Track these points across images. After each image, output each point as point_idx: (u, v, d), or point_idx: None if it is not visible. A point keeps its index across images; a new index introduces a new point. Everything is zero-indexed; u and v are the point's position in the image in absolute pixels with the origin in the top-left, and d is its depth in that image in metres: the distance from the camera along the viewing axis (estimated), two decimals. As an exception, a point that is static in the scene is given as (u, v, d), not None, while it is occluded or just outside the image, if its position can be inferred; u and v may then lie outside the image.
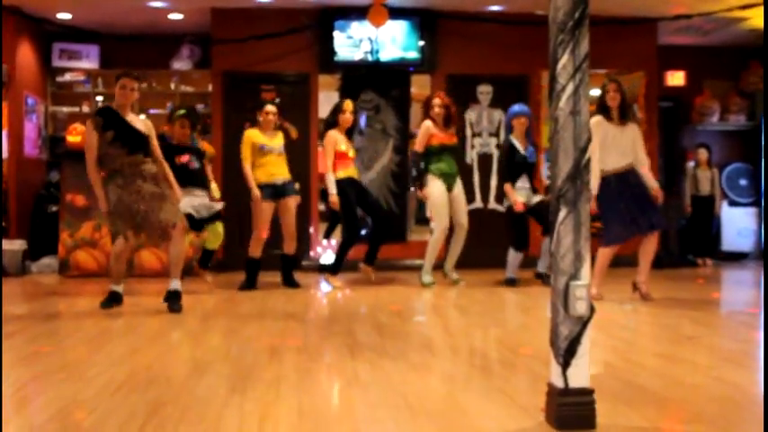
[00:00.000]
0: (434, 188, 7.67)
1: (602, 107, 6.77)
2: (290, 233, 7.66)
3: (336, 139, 7.82)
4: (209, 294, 7.28)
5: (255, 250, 7.54)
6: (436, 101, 7.90)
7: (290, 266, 7.78)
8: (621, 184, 6.66)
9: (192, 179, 7.32)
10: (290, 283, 7.69)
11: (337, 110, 7.97)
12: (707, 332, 5.35)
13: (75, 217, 8.96)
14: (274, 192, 7.49)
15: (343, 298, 7.36)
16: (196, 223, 7.32)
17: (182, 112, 7.60)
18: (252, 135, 7.59)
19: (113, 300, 6.32)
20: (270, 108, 7.66)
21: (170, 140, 7.38)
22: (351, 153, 7.97)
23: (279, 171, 7.57)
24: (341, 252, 7.95)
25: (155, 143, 6.28)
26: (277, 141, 7.66)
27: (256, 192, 7.41)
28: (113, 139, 5.99)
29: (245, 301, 6.71)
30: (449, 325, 5.69)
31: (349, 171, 7.87)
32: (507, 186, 7.82)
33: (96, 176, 6.04)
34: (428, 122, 7.84)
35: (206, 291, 7.47)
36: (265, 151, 7.55)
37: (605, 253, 6.69)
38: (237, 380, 3.62)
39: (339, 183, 7.75)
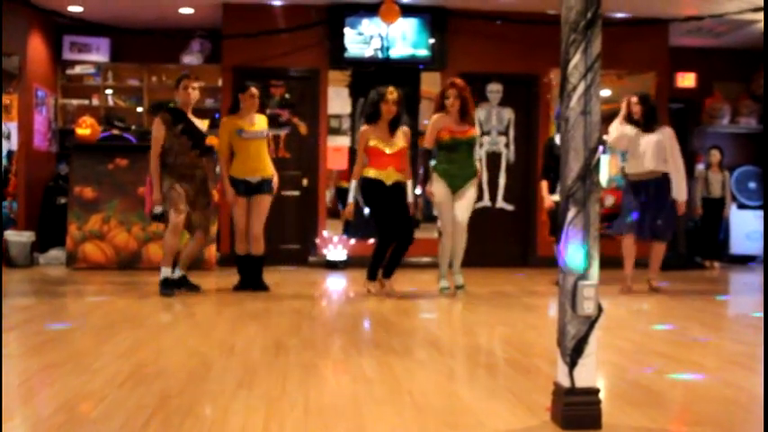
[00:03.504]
0: (437, 190, 6.92)
1: (628, 118, 7.42)
2: (255, 233, 6.96)
3: (370, 135, 6.91)
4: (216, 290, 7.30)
5: (240, 247, 7.07)
6: (451, 91, 6.92)
7: (256, 267, 7.06)
8: (641, 190, 7.26)
9: None
10: (255, 284, 7.04)
11: (379, 98, 6.89)
12: (714, 334, 5.34)
13: (84, 209, 8.99)
14: (247, 189, 6.90)
15: (350, 295, 7.37)
16: None
17: None
18: (229, 122, 6.95)
19: (185, 287, 6.91)
20: (254, 91, 6.99)
21: None
22: (387, 148, 6.90)
23: (258, 166, 6.93)
24: (373, 257, 7.11)
25: (211, 136, 6.97)
26: (258, 126, 6.96)
27: (230, 192, 6.92)
28: (182, 132, 6.64)
29: (252, 297, 6.72)
30: (455, 323, 5.69)
31: (383, 173, 6.91)
32: (541, 184, 7.96)
33: (156, 166, 6.62)
34: (436, 115, 7.01)
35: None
36: (244, 137, 6.87)
37: (623, 245, 7.36)
38: (244, 374, 3.63)
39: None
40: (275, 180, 7.06)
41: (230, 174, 6.91)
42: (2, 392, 3.13)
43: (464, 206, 6.97)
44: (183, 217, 6.63)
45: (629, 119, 7.42)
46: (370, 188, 6.91)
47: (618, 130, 7.43)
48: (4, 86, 9.45)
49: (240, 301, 6.52)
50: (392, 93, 6.85)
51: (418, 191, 7.14)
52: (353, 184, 7.06)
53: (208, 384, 3.43)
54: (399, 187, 6.94)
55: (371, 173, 6.87)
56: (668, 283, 8.02)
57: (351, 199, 7.08)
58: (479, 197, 9.18)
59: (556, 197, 7.79)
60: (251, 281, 7.08)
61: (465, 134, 6.96)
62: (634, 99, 7.45)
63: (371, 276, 7.07)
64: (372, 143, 6.86)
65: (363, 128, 7.00)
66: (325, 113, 10.14)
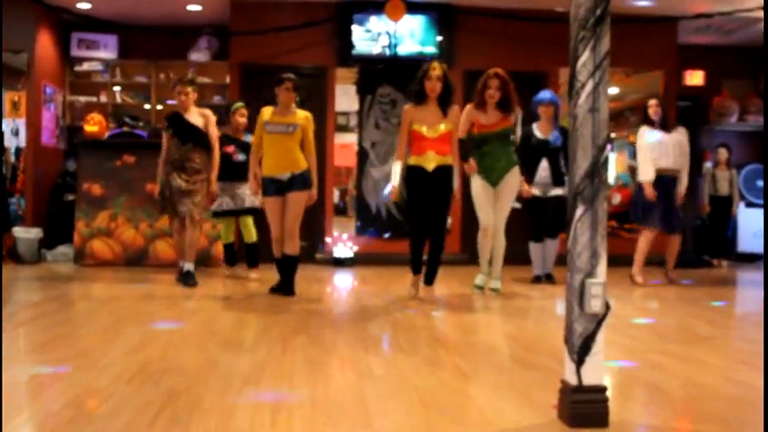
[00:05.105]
0: (474, 185, 6.83)
1: (645, 119, 8.03)
2: (287, 231, 6.52)
3: (413, 116, 6.42)
4: (246, 284, 7.32)
5: (275, 250, 6.63)
6: (493, 82, 6.75)
7: (288, 269, 6.63)
8: (662, 184, 7.80)
9: (235, 172, 7.61)
10: (284, 288, 6.60)
11: (423, 75, 6.38)
12: (721, 333, 5.33)
13: (92, 206, 9.01)
14: (278, 188, 6.51)
15: (357, 292, 7.37)
16: (236, 214, 7.86)
17: (240, 104, 8.05)
18: (262, 113, 6.65)
19: (180, 276, 7.26)
20: (290, 84, 6.56)
21: (225, 133, 7.81)
22: (427, 132, 6.37)
23: (285, 162, 6.50)
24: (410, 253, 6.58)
25: (211, 130, 7.25)
26: (289, 119, 6.52)
27: (254, 187, 6.78)
28: (173, 134, 7.20)
29: (260, 294, 6.73)
30: (462, 320, 5.68)
31: (422, 158, 6.38)
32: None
33: (161, 169, 7.28)
34: (468, 106, 6.88)
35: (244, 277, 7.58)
36: (269, 131, 6.52)
37: (642, 239, 7.93)
38: (251, 371, 3.63)
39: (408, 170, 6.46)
40: (313, 176, 6.60)
41: (262, 172, 6.61)
42: (1, 390, 3.15)
43: (500, 208, 6.84)
44: (175, 222, 7.34)
45: (646, 120, 7.99)
46: (410, 177, 6.42)
47: (647, 132, 7.97)
48: (12, 83, 9.47)
49: (247, 298, 6.54)
50: (435, 69, 6.34)
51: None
52: (398, 166, 6.49)
53: (215, 381, 3.44)
54: (442, 172, 6.36)
55: (412, 160, 6.41)
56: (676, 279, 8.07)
57: (394, 181, 6.48)
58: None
59: (535, 190, 7.77)
60: (283, 281, 6.72)
61: (495, 127, 6.80)
62: (654, 101, 8.03)
63: (414, 270, 6.59)
64: (414, 126, 6.38)
65: (406, 107, 6.52)
66: (332, 111, 10.14)
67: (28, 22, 9.56)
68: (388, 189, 6.71)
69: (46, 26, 10.06)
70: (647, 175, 7.78)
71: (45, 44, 10.08)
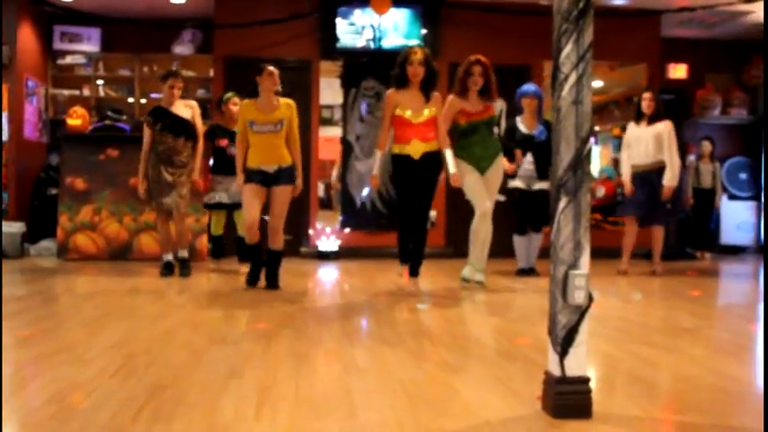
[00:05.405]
0: (464, 173, 6.59)
1: (637, 112, 8.25)
2: (272, 225, 6.53)
3: (396, 100, 6.39)
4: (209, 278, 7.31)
5: (248, 235, 6.55)
6: (476, 68, 6.62)
7: (272, 263, 6.66)
8: (642, 180, 8.07)
9: (230, 166, 7.55)
10: (269, 282, 6.64)
11: (404, 60, 6.39)
12: (704, 324, 5.36)
13: (75, 200, 8.96)
14: (264, 179, 6.45)
15: (343, 285, 7.37)
16: (229, 207, 8.00)
17: (231, 93, 8.14)
18: (244, 109, 6.53)
19: (165, 268, 7.44)
20: (272, 69, 6.53)
21: (218, 124, 8.07)
22: (412, 117, 6.37)
23: (272, 156, 6.45)
24: (398, 242, 6.71)
25: (197, 122, 7.49)
26: (274, 116, 6.45)
27: (240, 180, 6.52)
28: (162, 129, 7.32)
29: (244, 287, 6.71)
30: (447, 313, 5.69)
31: (408, 147, 6.36)
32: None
33: (143, 166, 7.40)
34: (451, 96, 6.75)
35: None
36: (255, 131, 6.43)
37: (625, 231, 8.35)
38: (235, 365, 3.63)
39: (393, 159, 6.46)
40: (298, 168, 6.56)
41: (247, 163, 6.49)
42: (1, 384, 3.13)
43: (490, 190, 6.75)
44: (162, 213, 7.48)
45: (639, 114, 8.22)
46: (397, 166, 6.39)
47: (629, 129, 8.40)
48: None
49: (233, 292, 6.52)
50: (416, 53, 6.31)
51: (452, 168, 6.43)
52: (378, 155, 6.52)
53: (199, 374, 3.43)
54: (429, 159, 6.34)
55: (396, 149, 6.38)
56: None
57: (375, 170, 6.52)
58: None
59: (520, 184, 7.83)
60: (264, 270, 6.70)
61: (482, 115, 6.69)
62: (649, 95, 8.19)
63: (402, 260, 6.67)
64: (398, 111, 6.33)
65: (389, 91, 6.45)
66: (317, 104, 10.13)
67: (10, 15, 9.49)
68: (365, 191, 6.71)
69: (28, 19, 9.99)
70: (622, 171, 8.37)
71: (27, 37, 10.00)
